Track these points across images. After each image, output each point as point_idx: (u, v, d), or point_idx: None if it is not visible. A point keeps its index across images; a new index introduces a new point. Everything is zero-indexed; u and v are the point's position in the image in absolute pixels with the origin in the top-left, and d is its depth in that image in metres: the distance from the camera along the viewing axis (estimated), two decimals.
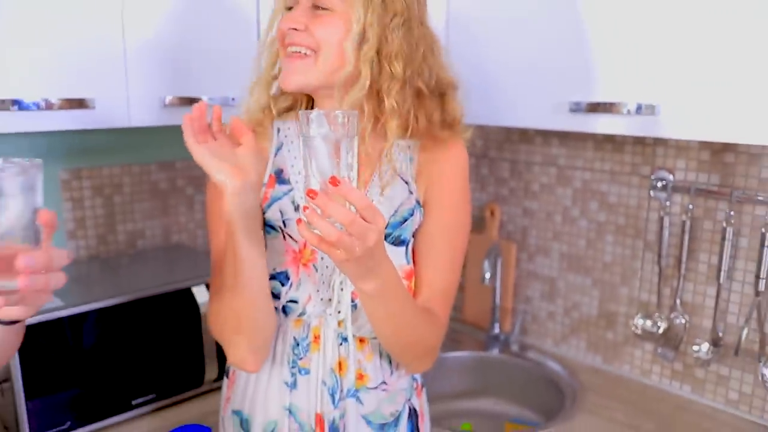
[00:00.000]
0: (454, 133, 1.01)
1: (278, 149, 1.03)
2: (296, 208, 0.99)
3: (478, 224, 1.84)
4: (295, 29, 0.90)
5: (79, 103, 1.21)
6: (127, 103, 1.28)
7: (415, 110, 0.95)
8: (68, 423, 1.27)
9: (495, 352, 1.74)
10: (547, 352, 1.72)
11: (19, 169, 0.66)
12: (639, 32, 1.13)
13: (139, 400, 1.36)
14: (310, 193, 0.74)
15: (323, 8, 0.90)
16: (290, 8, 0.94)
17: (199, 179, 1.77)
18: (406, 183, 1.01)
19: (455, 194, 1.03)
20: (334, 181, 0.73)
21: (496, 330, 1.77)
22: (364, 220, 0.74)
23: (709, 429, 1.36)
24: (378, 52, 0.90)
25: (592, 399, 1.48)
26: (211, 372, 1.44)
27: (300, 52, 0.91)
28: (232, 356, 1.00)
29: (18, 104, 1.15)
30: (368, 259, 0.78)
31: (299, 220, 0.75)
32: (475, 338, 1.82)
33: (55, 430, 1.25)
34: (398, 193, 1.00)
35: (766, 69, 1.00)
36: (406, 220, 1.00)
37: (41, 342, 1.21)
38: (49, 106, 1.18)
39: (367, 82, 0.91)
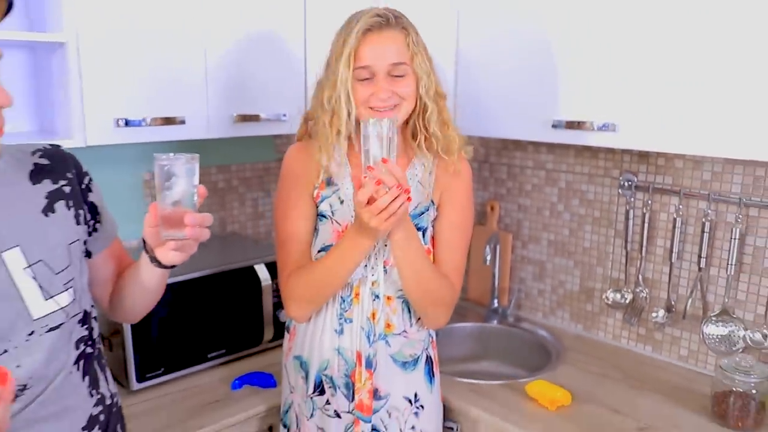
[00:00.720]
0: (459, 147, 1.37)
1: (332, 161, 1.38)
2: (341, 202, 1.35)
3: (481, 218, 2.20)
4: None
5: (173, 120, 1.58)
6: (207, 120, 1.65)
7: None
8: (162, 369, 1.63)
9: (494, 323, 2.10)
10: (537, 322, 2.08)
11: (185, 159, 0.99)
12: (602, 69, 1.49)
13: (213, 354, 1.72)
14: (369, 168, 1.12)
15: (399, 75, 1.27)
16: (364, 79, 1.28)
17: (249, 180, 2.13)
18: (425, 188, 1.37)
19: (463, 200, 1.40)
20: (384, 161, 1.12)
21: (495, 305, 2.13)
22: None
23: (665, 379, 1.71)
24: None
25: (572, 356, 1.84)
26: (268, 334, 1.80)
27: (388, 106, 1.28)
28: (296, 313, 1.37)
29: (126, 122, 1.51)
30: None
31: (358, 182, 1.16)
32: (477, 312, 2.18)
33: (152, 374, 1.61)
34: (418, 194, 1.36)
35: (699, 97, 1.35)
36: (423, 213, 1.36)
37: None
38: (150, 123, 1.54)
39: (437, 108, 1.32)
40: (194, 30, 1.57)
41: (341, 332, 1.37)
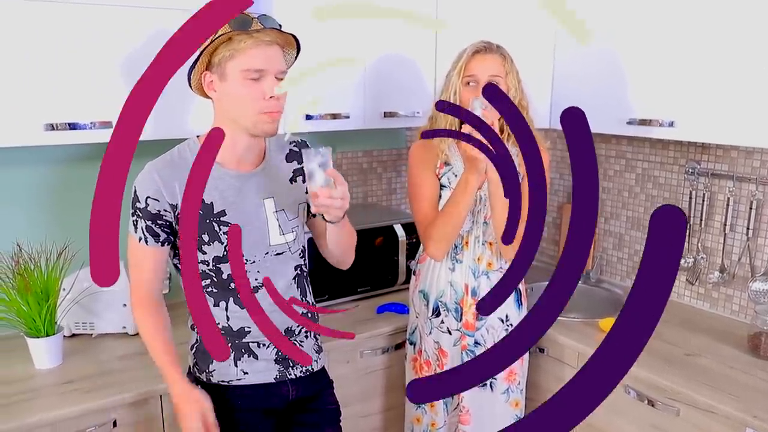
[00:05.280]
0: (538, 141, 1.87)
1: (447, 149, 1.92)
2: (455, 176, 1.88)
3: (570, 198, 2.67)
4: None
5: (339, 116, 2.18)
6: (364, 116, 2.24)
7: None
8: (327, 296, 2.25)
9: (580, 282, 2.58)
10: (615, 284, 2.55)
11: (324, 150, 1.31)
12: (664, 80, 1.95)
13: (361, 288, 2.33)
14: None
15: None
16: (468, 84, 1.81)
17: (385, 162, 2.73)
18: (516, 165, 1.88)
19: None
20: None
21: None
22: None
23: (716, 326, 2.13)
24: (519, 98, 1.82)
25: None
26: (401, 277, 2.38)
27: None
28: (434, 250, 1.88)
29: (309, 117, 2.13)
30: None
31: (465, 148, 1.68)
32: None
33: (320, 299, 2.22)
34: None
35: (743, 96, 1.78)
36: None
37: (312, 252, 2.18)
38: (323, 117, 2.16)
39: None
40: (358, 54, 2.16)
41: (453, 270, 1.91)
